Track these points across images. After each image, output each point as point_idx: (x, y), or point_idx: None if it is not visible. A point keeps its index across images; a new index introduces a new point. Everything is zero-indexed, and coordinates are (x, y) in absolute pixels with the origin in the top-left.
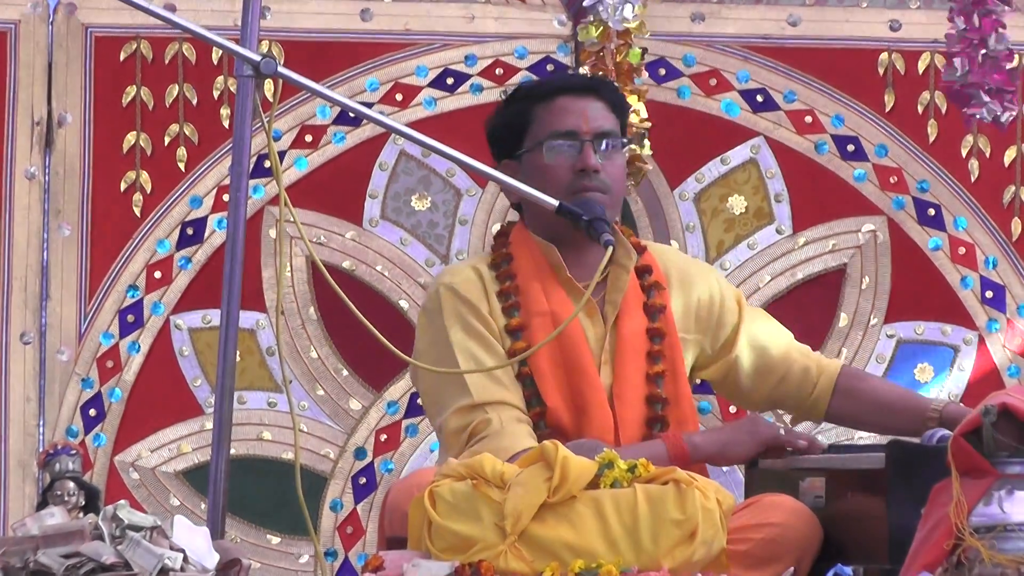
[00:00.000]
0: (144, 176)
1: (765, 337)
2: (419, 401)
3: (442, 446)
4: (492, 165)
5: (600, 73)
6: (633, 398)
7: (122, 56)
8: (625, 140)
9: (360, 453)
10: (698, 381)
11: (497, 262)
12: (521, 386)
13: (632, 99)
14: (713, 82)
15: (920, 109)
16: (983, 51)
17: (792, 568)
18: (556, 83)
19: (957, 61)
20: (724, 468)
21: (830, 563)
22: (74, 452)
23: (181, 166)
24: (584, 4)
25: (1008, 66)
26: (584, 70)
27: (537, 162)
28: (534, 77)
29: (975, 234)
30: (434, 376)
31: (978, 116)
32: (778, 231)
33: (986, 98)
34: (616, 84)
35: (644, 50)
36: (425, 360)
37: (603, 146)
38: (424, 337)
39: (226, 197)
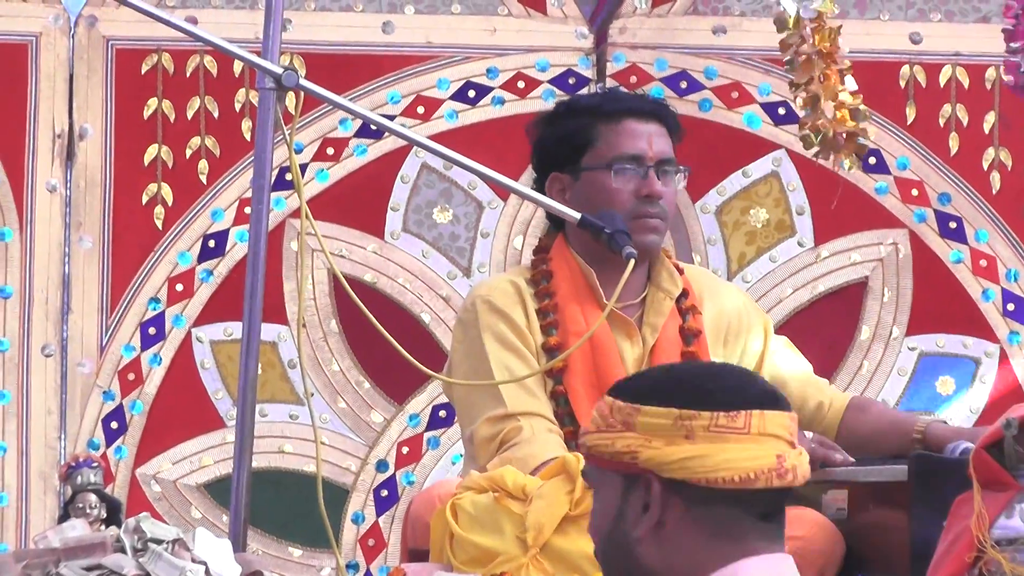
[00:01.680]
0: (165, 189)
1: (786, 371)
2: (442, 413)
3: (467, 455)
4: (518, 175)
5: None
6: None
7: (143, 68)
8: (681, 168)
9: (382, 466)
10: None
11: (536, 278)
12: (554, 404)
13: (848, 80)
14: (735, 95)
15: (942, 122)
16: None
17: None
18: (624, 103)
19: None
20: None
21: (852, 575)
22: (96, 465)
23: (203, 179)
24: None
25: None
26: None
27: (601, 183)
28: (556, 90)
29: (996, 247)
30: (468, 390)
31: None
32: (800, 244)
33: None
34: (673, 109)
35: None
36: (460, 371)
37: (663, 173)
38: (459, 349)
39: (248, 210)
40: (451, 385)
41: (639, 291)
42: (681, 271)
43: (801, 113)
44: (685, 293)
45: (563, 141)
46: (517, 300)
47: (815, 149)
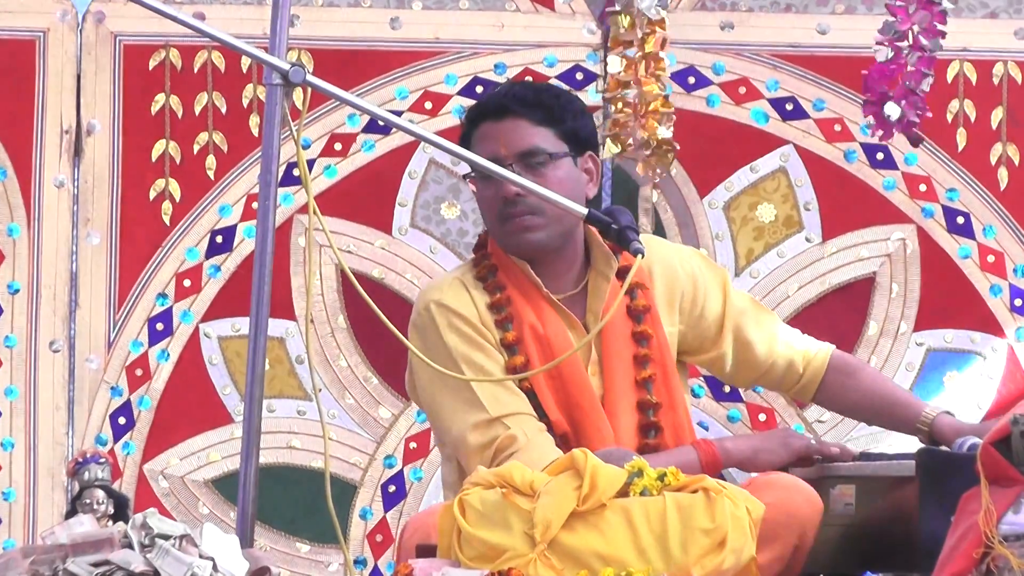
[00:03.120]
0: (173, 184)
1: (749, 332)
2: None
3: (445, 458)
4: None
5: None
6: (624, 406)
7: (151, 64)
8: (556, 152)
9: (390, 461)
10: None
11: (483, 274)
12: None
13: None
14: (742, 90)
15: (949, 117)
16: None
17: None
18: (481, 107)
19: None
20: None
21: (860, 571)
22: (103, 461)
23: (210, 174)
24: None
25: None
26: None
27: (476, 193)
28: (564, 86)
29: (1004, 242)
30: (439, 393)
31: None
32: (807, 239)
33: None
34: (556, 91)
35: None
36: (425, 376)
37: (529, 166)
38: (420, 355)
39: (255, 205)
40: (420, 392)
41: (578, 279)
42: (621, 250)
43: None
44: (628, 270)
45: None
46: (466, 297)
47: (616, 150)
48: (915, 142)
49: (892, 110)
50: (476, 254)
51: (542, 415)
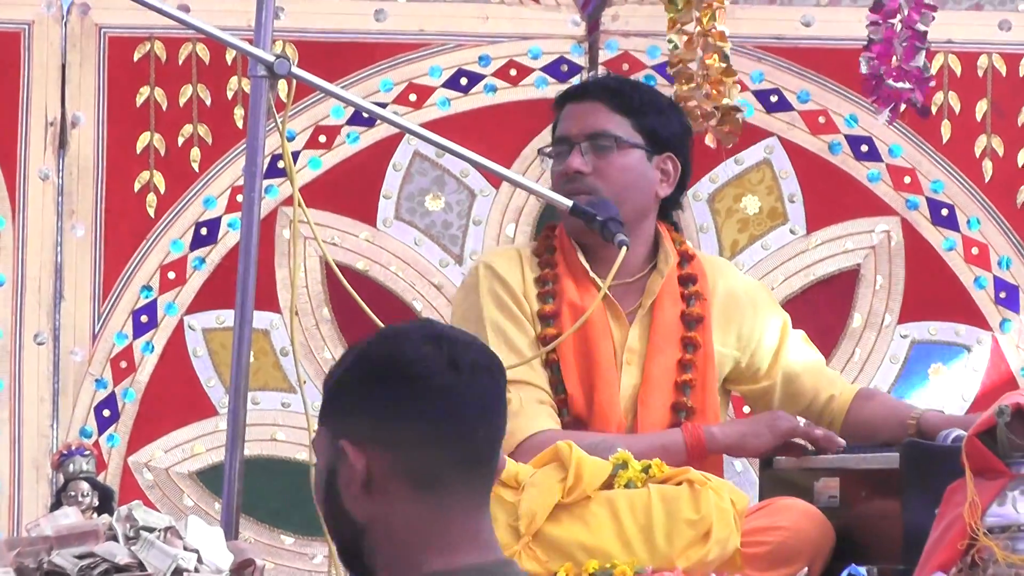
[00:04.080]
0: (158, 176)
1: (800, 366)
2: None
3: None
4: (510, 163)
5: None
6: (658, 403)
7: (136, 56)
8: (628, 140)
9: None
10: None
11: (540, 251)
12: (548, 371)
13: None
14: None
15: (934, 109)
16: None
17: (806, 568)
18: (565, 91)
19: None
20: (738, 468)
21: (844, 563)
22: (88, 453)
23: (195, 166)
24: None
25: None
26: (602, 71)
27: (550, 169)
28: (548, 78)
29: (989, 234)
30: None
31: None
32: (792, 231)
33: (905, 84)
34: (644, 86)
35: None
36: None
37: (595, 147)
38: (458, 312)
39: (240, 197)
40: None
41: (636, 271)
42: (693, 257)
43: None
44: (693, 279)
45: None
46: (517, 267)
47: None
48: (924, 113)
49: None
50: (544, 232)
51: (563, 390)
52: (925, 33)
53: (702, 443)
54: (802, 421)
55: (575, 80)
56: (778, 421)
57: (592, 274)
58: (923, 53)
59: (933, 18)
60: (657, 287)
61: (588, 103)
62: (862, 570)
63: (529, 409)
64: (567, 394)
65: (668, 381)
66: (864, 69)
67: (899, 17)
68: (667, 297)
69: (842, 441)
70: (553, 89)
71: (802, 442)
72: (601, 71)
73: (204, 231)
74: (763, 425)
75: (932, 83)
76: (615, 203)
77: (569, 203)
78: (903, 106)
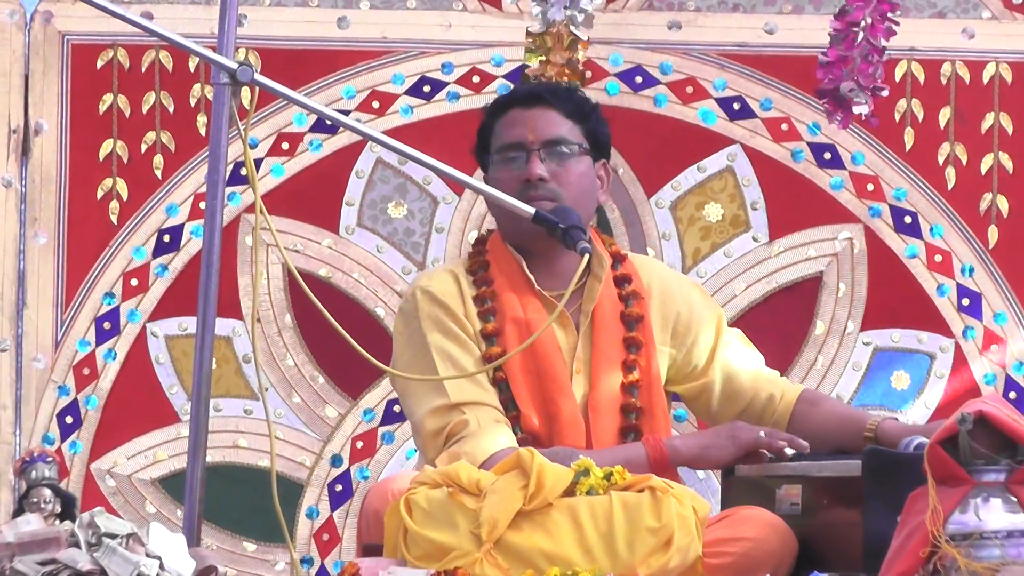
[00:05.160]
0: (121, 184)
1: (738, 364)
2: (396, 408)
3: (418, 445)
4: (473, 170)
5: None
6: (608, 407)
7: (99, 64)
8: (581, 146)
9: (336, 460)
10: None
11: (474, 268)
12: (497, 390)
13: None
14: (690, 90)
15: (897, 117)
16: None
17: None
18: (509, 94)
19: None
20: (700, 475)
21: (806, 571)
22: (50, 459)
23: (158, 174)
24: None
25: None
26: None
27: (493, 175)
28: (511, 85)
29: (952, 242)
30: (410, 375)
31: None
32: (754, 239)
33: (860, 92)
34: (580, 90)
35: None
36: (402, 361)
37: (553, 154)
38: (401, 339)
39: (203, 205)
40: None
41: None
42: (624, 257)
43: None
44: (628, 279)
45: (477, 142)
46: (455, 289)
47: None
48: (872, 123)
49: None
50: (473, 248)
51: (514, 407)
52: (884, 49)
53: (665, 457)
54: (763, 432)
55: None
56: (740, 432)
57: (537, 287)
58: (880, 67)
59: (895, 33)
60: (596, 292)
61: (540, 109)
62: None
63: (487, 429)
64: (519, 411)
65: (615, 384)
66: (819, 75)
67: (862, 25)
68: (606, 300)
69: (805, 444)
70: None
71: (764, 452)
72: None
73: (167, 238)
74: (725, 437)
75: (885, 94)
76: (572, 205)
77: (531, 210)
78: (861, 112)
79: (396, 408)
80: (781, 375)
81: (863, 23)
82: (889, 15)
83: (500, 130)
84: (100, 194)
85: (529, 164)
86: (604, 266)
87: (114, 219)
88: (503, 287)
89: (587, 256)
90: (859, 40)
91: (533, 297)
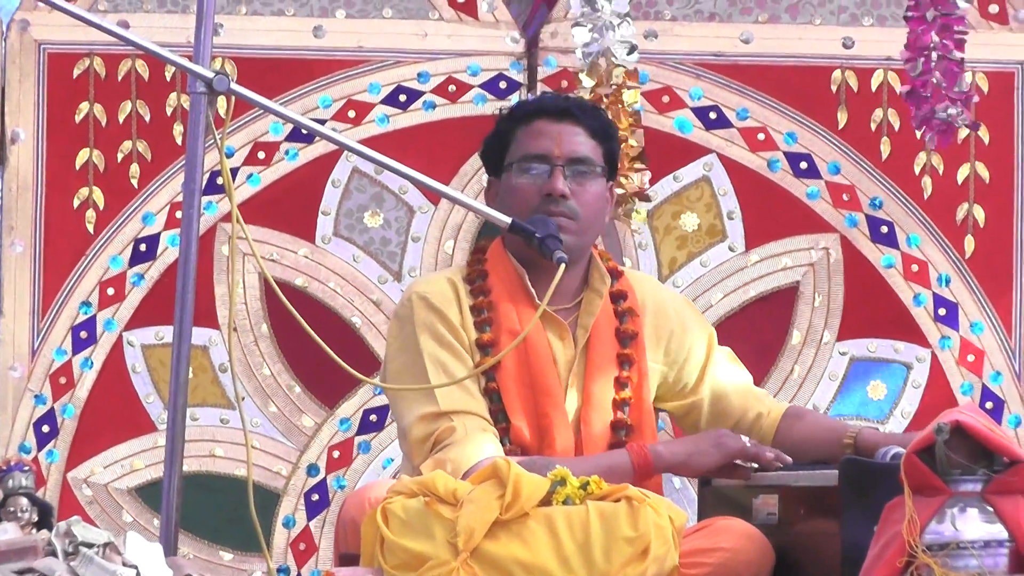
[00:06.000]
0: (97, 193)
1: (727, 382)
2: (372, 417)
3: (404, 450)
4: (449, 179)
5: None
6: (599, 422)
7: (75, 73)
8: (603, 167)
9: (313, 470)
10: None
11: (472, 277)
12: (487, 400)
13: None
14: (666, 99)
15: (873, 127)
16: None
17: None
18: (536, 104)
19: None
20: (677, 485)
21: None
22: (27, 468)
23: (134, 183)
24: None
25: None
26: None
27: (511, 182)
28: (487, 95)
29: (928, 252)
30: (401, 380)
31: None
32: (731, 248)
33: (953, 110)
34: (602, 110)
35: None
36: (394, 365)
37: (576, 172)
38: (395, 344)
39: (179, 214)
40: (387, 377)
41: (575, 293)
42: (621, 274)
43: None
44: (624, 295)
45: (490, 147)
46: (452, 297)
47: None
48: (975, 127)
49: (948, 117)
50: (472, 257)
51: (504, 418)
52: (962, 60)
53: (649, 462)
54: (748, 442)
55: (514, 97)
56: (725, 439)
57: (537, 298)
58: (964, 76)
59: (966, 39)
60: (596, 308)
61: (569, 125)
62: None
63: (474, 437)
64: (509, 423)
65: (607, 399)
66: (908, 101)
67: (932, 45)
68: (602, 315)
69: (789, 459)
70: (492, 106)
71: (747, 465)
72: (541, 88)
73: (143, 247)
74: (709, 444)
75: (976, 99)
76: (587, 227)
77: (507, 220)
78: (960, 127)
79: (372, 418)
80: (767, 392)
81: (931, 44)
82: (956, 28)
83: (524, 139)
84: (76, 203)
85: (552, 179)
86: (606, 282)
87: (91, 228)
88: (501, 297)
89: (563, 265)
90: (935, 61)
91: (531, 309)
